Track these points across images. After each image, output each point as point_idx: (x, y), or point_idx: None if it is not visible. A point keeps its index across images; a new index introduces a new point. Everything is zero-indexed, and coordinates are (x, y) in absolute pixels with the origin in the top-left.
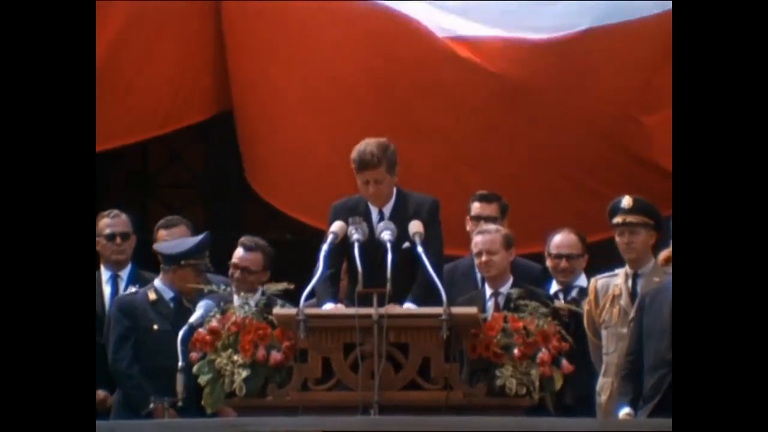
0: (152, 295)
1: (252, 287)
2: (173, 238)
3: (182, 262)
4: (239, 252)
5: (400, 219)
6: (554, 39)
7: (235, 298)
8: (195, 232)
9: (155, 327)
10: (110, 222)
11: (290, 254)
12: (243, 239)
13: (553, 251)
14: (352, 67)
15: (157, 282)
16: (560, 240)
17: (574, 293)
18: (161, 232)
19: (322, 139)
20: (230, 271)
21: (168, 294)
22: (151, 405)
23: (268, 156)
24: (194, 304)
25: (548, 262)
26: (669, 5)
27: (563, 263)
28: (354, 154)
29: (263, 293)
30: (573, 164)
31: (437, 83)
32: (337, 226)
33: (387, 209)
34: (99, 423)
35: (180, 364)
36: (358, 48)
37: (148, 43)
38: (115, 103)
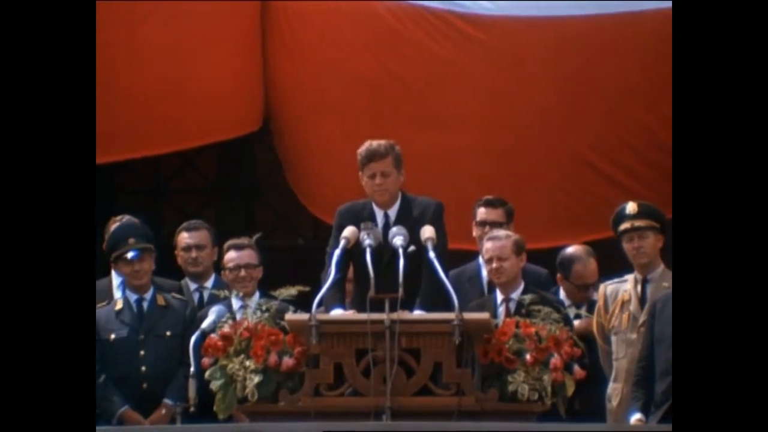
0: (119, 305)
1: (253, 285)
2: (195, 241)
3: (111, 259)
4: (232, 254)
5: (405, 223)
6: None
7: (234, 301)
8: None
9: (112, 337)
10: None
11: (301, 259)
12: (229, 242)
13: (579, 282)
14: (378, 66)
15: (126, 289)
16: (584, 271)
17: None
18: (183, 234)
19: (348, 140)
20: (229, 274)
21: (132, 297)
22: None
23: (304, 160)
24: (169, 300)
25: (568, 286)
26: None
27: (590, 292)
28: (360, 150)
29: (262, 294)
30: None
31: (460, 75)
32: (349, 231)
33: (392, 212)
34: (99, 429)
35: (191, 369)
36: (383, 47)
37: (193, 49)
38: (158, 111)
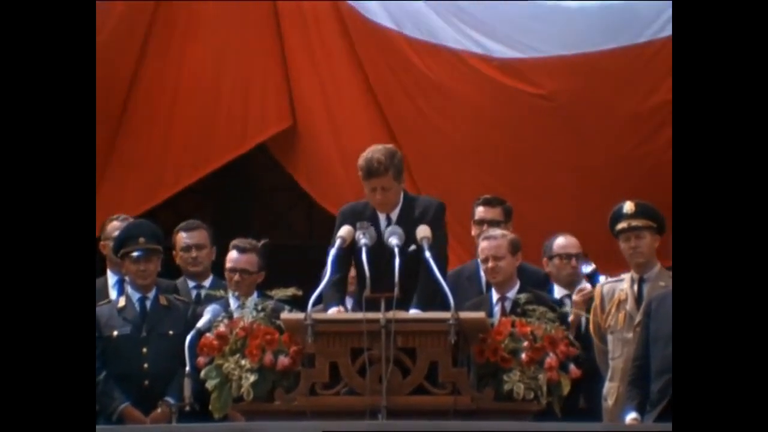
0: (121, 302)
1: (249, 289)
2: (194, 241)
3: (118, 256)
4: (233, 255)
5: (406, 222)
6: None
7: (232, 301)
8: (212, 236)
9: (115, 333)
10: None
11: (298, 259)
12: (236, 241)
13: (561, 251)
14: (391, 86)
15: (128, 285)
16: (565, 241)
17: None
18: (182, 233)
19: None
20: (227, 275)
21: (135, 296)
22: (159, 407)
23: (326, 162)
24: (171, 300)
25: (553, 266)
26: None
27: (573, 262)
28: (361, 161)
29: (259, 295)
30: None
31: (473, 105)
32: (344, 230)
33: (394, 214)
34: (99, 428)
35: (187, 368)
36: (398, 71)
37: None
38: (192, 134)
